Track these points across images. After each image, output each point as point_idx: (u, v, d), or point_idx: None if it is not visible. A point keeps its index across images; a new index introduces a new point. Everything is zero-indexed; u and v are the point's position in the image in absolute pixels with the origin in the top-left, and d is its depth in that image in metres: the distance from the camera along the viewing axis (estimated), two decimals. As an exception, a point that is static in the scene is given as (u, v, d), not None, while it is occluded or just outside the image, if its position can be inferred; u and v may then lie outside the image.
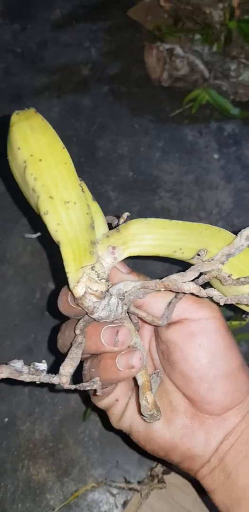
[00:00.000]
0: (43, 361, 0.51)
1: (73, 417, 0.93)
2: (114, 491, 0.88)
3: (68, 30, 1.33)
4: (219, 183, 1.14)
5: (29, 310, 1.02)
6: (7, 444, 0.91)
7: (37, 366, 0.49)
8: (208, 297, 0.55)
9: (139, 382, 0.55)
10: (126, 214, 0.61)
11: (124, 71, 1.27)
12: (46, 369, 0.50)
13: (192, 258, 0.57)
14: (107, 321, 0.54)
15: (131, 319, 0.57)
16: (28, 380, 0.48)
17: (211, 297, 0.55)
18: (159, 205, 1.12)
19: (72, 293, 0.53)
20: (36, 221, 1.11)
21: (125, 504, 0.86)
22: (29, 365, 0.49)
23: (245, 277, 0.54)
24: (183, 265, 0.59)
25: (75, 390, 0.52)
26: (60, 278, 1.04)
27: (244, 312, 0.65)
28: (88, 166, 1.16)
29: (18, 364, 0.49)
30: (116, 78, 1.26)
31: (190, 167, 1.16)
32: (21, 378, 0.48)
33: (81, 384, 0.53)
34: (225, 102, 1.18)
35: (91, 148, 1.18)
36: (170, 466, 0.85)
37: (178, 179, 1.15)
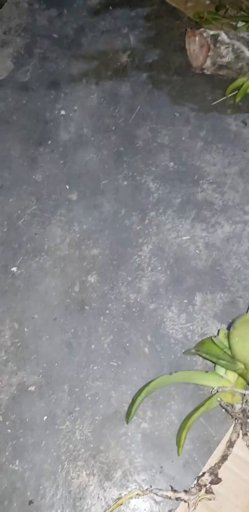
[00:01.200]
0: None
1: (115, 417, 0.88)
2: (158, 499, 0.82)
3: (105, 16, 1.29)
4: (266, 175, 1.09)
5: (68, 303, 0.97)
6: (46, 444, 0.86)
7: None
8: None
9: None
10: None
11: (163, 59, 1.23)
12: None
13: None
14: None
15: None
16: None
17: None
18: (201, 198, 1.07)
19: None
20: (74, 212, 1.09)
21: (169, 513, 0.81)
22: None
23: None
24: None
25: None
26: (100, 271, 1.01)
27: None
28: (128, 156, 1.11)
29: None
30: (156, 65, 1.22)
31: (234, 158, 1.11)
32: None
33: None
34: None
35: (130, 137, 1.13)
36: (218, 476, 0.80)
37: (221, 171, 1.10)
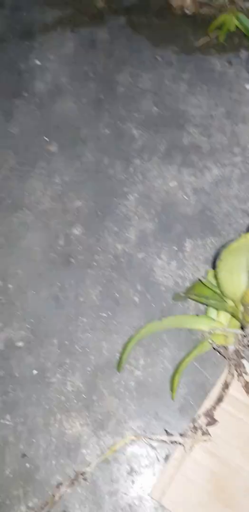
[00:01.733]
0: None
1: (107, 366, 0.86)
2: (155, 444, 0.81)
3: None
4: (253, 115, 1.05)
5: (53, 258, 0.94)
6: (37, 398, 0.84)
7: None
8: None
9: None
10: None
11: (142, 1, 1.17)
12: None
13: None
14: None
15: None
16: None
17: None
18: (187, 142, 1.04)
19: None
20: (54, 164, 1.05)
21: (167, 458, 0.80)
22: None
23: None
24: None
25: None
26: (85, 223, 0.98)
27: None
28: (109, 103, 1.07)
29: None
30: (134, 8, 1.17)
31: (220, 100, 1.07)
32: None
33: None
34: (256, 26, 1.09)
35: (110, 83, 1.09)
36: (214, 418, 0.78)
37: (207, 113, 1.06)
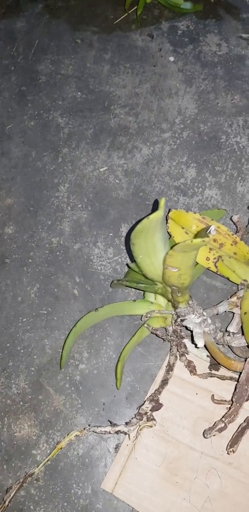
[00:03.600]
0: None
1: (50, 364, 0.85)
2: (105, 436, 0.81)
3: None
4: (179, 88, 1.04)
5: (-14, 260, 0.92)
6: (-19, 406, 0.83)
7: None
8: None
9: None
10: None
11: (58, -16, 1.14)
12: None
13: None
14: None
15: None
16: None
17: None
18: (114, 124, 1.02)
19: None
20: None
21: (117, 448, 0.79)
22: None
23: None
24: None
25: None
26: (17, 220, 0.96)
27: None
28: (31, 94, 1.04)
29: None
30: (50, -8, 1.13)
31: (144, 76, 1.05)
32: None
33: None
34: (172, -4, 1.06)
35: (32, 74, 1.06)
36: (158, 402, 0.78)
37: (132, 92, 1.04)
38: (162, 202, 0.60)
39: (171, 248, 0.64)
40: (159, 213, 0.60)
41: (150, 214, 0.60)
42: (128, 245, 0.90)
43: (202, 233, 0.63)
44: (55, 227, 0.94)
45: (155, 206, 0.94)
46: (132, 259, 0.72)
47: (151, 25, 1.09)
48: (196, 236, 0.69)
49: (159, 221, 0.62)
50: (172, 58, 1.06)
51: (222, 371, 0.79)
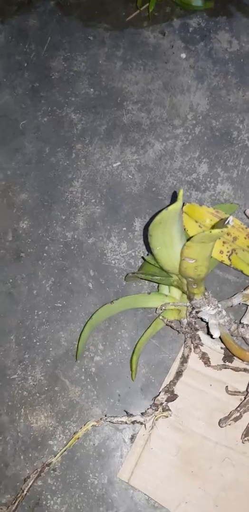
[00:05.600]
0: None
1: (66, 356, 0.86)
2: (121, 426, 0.82)
3: None
4: (191, 84, 1.05)
5: (2, 254, 0.93)
6: (0, 396, 0.84)
7: None
8: None
9: None
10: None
11: (70, -19, 1.15)
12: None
13: None
14: None
15: None
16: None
17: None
18: (127, 121, 1.03)
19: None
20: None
21: (132, 438, 0.81)
22: None
23: None
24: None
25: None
26: (32, 215, 0.97)
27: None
28: (44, 90, 1.05)
29: None
30: (63, -10, 1.14)
31: (156, 73, 1.06)
32: None
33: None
34: (184, -7, 1.07)
35: (45, 71, 1.07)
36: (173, 393, 0.79)
37: (144, 88, 1.05)
38: (181, 194, 0.61)
39: (189, 239, 0.65)
40: (178, 204, 0.61)
41: (169, 205, 0.62)
42: (145, 237, 0.91)
43: (219, 224, 0.64)
44: (70, 222, 0.95)
45: (173, 199, 0.95)
46: (149, 251, 0.73)
47: (163, 22, 1.10)
48: (214, 227, 0.70)
49: (177, 212, 0.63)
50: (183, 55, 1.07)
51: (236, 363, 0.80)
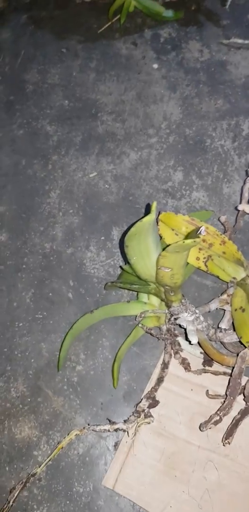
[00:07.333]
0: None
1: (48, 367, 0.87)
2: (104, 434, 0.83)
3: None
4: (164, 94, 1.07)
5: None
6: (-18, 412, 0.84)
7: None
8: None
9: None
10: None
11: (42, -6, 1.16)
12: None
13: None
14: None
15: None
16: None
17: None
18: (102, 131, 1.04)
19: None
20: None
21: (116, 445, 0.82)
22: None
23: None
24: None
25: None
26: (10, 227, 0.97)
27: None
28: (19, 103, 1.06)
29: None
30: (35, 3, 1.15)
31: (129, 83, 1.08)
32: None
33: None
34: (154, 4, 1.09)
35: (19, 84, 1.08)
36: (155, 399, 0.81)
37: (118, 99, 1.07)
38: (154, 206, 0.62)
39: (164, 249, 0.66)
40: (152, 216, 0.63)
41: (143, 217, 0.63)
42: (121, 248, 0.93)
43: (192, 234, 0.66)
44: (48, 233, 0.96)
45: (147, 210, 0.97)
46: (126, 261, 0.74)
47: (134, 33, 1.12)
48: (187, 237, 0.72)
49: (151, 224, 0.64)
50: (155, 65, 1.09)
51: (216, 367, 0.82)
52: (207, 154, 1.01)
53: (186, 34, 1.12)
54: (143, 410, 0.79)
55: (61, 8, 1.14)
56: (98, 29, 1.12)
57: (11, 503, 0.77)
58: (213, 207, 0.96)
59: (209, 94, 1.06)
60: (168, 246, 0.65)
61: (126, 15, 1.09)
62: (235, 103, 1.05)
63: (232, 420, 0.76)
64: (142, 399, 0.81)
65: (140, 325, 0.82)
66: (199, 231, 0.64)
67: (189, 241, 0.62)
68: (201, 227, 0.64)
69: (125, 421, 0.79)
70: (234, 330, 0.80)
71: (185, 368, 0.82)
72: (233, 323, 0.81)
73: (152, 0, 1.10)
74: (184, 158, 1.01)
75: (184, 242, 0.62)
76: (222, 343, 0.82)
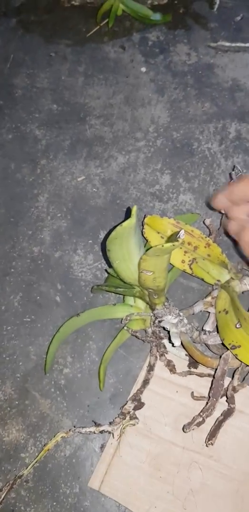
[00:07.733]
0: None
1: (35, 370, 0.88)
2: (91, 436, 0.84)
3: None
4: (151, 97, 1.08)
5: None
6: None
7: None
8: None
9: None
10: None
11: (30, -1, 1.17)
12: None
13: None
14: None
15: None
16: None
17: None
18: (90, 135, 1.05)
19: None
20: None
21: (102, 447, 0.83)
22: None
23: None
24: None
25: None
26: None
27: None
28: (8, 108, 1.07)
29: None
30: (23, 8, 1.16)
31: (118, 87, 1.09)
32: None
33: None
34: (142, 8, 1.10)
35: (8, 88, 1.09)
36: (140, 401, 0.82)
37: (106, 103, 1.08)
38: (134, 210, 0.63)
39: (144, 253, 0.67)
40: (132, 221, 0.64)
41: (123, 221, 0.64)
42: (104, 252, 0.94)
43: (172, 238, 0.67)
44: (36, 237, 0.97)
45: (128, 214, 0.98)
46: (109, 264, 0.75)
47: (123, 37, 1.13)
48: (168, 240, 0.73)
49: (131, 228, 0.65)
50: (143, 69, 1.10)
51: (201, 369, 0.83)
52: (194, 157, 1.02)
53: (174, 37, 1.13)
54: (128, 412, 0.80)
55: (50, 12, 1.15)
56: (87, 33, 1.13)
57: (-2, 505, 0.78)
58: (200, 210, 0.97)
59: (196, 97, 1.07)
60: (149, 249, 0.66)
61: (114, 19, 1.10)
62: (222, 106, 1.06)
63: (215, 422, 0.77)
64: (127, 401, 0.82)
65: (125, 328, 0.83)
66: (178, 235, 0.64)
67: (168, 245, 0.63)
68: (180, 230, 0.65)
69: (110, 423, 0.80)
70: (218, 332, 0.81)
71: (170, 370, 0.83)
72: (217, 325, 0.82)
73: (140, 3, 1.10)
74: (171, 161, 1.02)
75: (163, 246, 0.63)
76: (206, 345, 0.82)
